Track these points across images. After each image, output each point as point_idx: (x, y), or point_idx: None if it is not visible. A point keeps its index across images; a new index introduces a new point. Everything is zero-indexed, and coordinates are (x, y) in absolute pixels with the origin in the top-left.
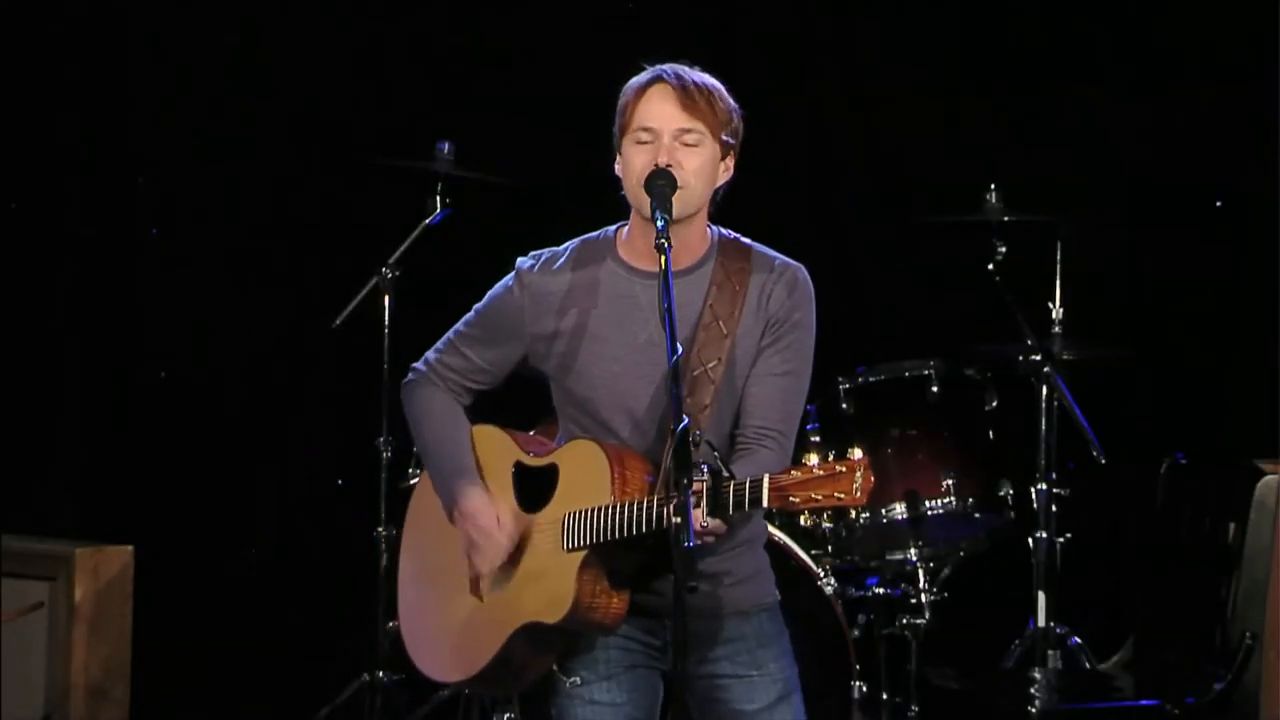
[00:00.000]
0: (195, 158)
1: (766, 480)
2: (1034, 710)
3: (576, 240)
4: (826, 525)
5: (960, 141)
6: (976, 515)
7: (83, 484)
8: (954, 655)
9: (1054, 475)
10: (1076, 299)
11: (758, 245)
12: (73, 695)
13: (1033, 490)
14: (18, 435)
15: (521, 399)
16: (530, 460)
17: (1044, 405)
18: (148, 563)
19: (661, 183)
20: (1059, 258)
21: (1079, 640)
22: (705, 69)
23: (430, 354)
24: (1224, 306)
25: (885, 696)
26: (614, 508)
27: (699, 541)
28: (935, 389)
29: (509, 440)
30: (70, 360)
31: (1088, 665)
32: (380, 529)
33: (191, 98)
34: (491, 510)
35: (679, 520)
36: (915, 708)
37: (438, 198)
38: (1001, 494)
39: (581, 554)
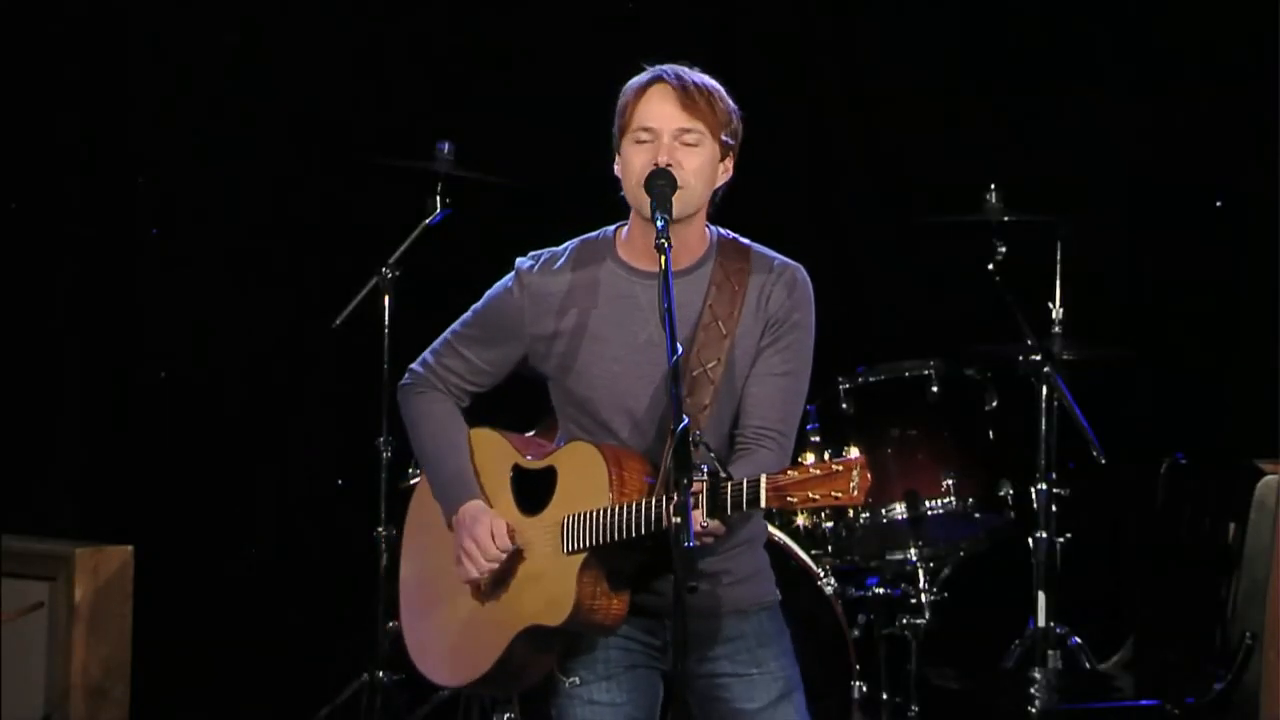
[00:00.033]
0: (195, 158)
1: (764, 480)
2: (1034, 710)
3: (576, 240)
4: (826, 525)
5: (960, 141)
6: (976, 515)
7: (83, 484)
8: (954, 655)
9: (1054, 475)
10: (1076, 299)
11: (756, 245)
12: (73, 695)
13: (1033, 490)
14: (18, 435)
15: (520, 400)
16: (528, 463)
17: (1044, 405)
18: (148, 563)
19: (661, 183)
20: (1059, 258)
21: (1079, 640)
22: (705, 69)
23: (427, 355)
24: (1224, 306)
25: (885, 696)
26: (612, 509)
27: (698, 542)
28: (935, 389)
29: (506, 444)
30: (70, 360)
31: (1088, 665)
32: (380, 529)
33: (191, 98)
34: (488, 520)
35: (679, 520)
36: (915, 708)
37: (438, 198)
38: (1001, 494)
39: (581, 556)
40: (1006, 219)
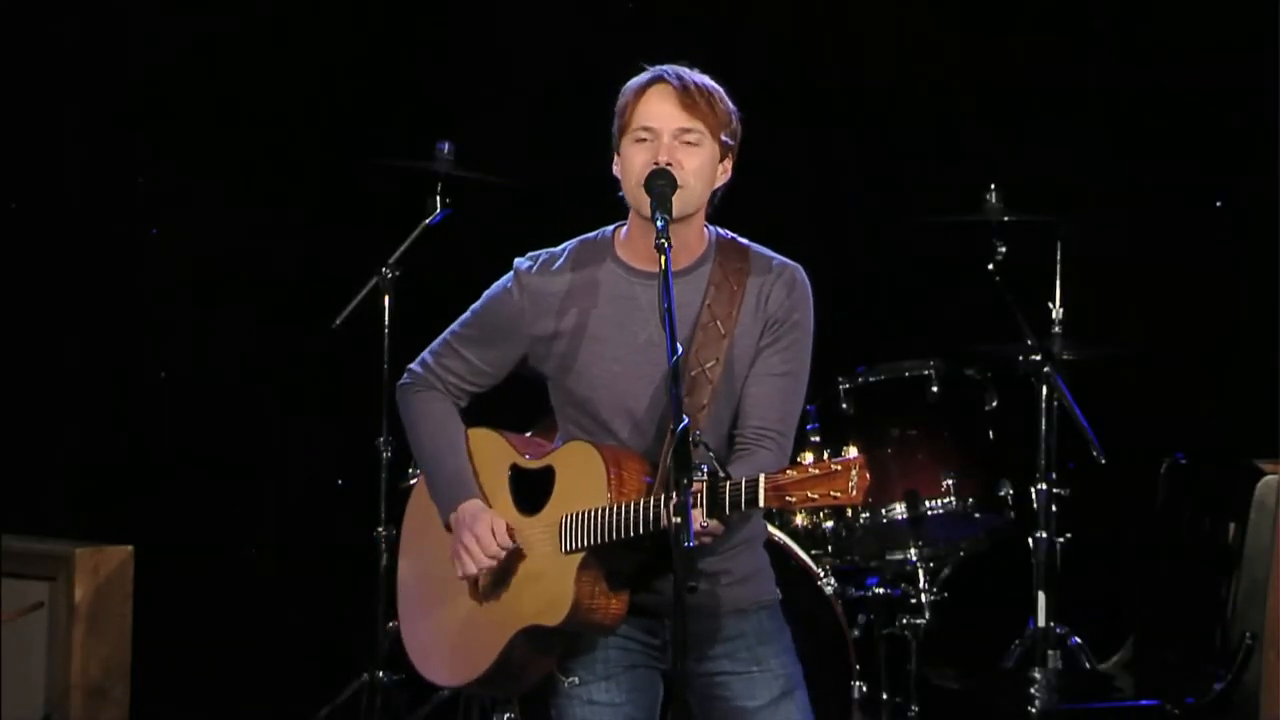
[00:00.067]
0: (195, 158)
1: (763, 480)
2: (1034, 710)
3: (574, 241)
4: (826, 525)
5: (960, 141)
6: (976, 515)
7: (83, 484)
8: (954, 655)
9: (1054, 475)
10: (1076, 299)
11: (755, 245)
12: (73, 695)
13: (1033, 490)
14: (18, 435)
15: (519, 400)
16: (526, 463)
17: (1044, 405)
18: (148, 563)
19: (661, 183)
20: (1059, 258)
21: (1079, 640)
22: (705, 69)
23: (426, 355)
24: (1224, 306)
25: (885, 696)
26: (611, 509)
27: (698, 542)
28: (935, 389)
29: (505, 443)
30: (70, 360)
31: (1088, 665)
32: (380, 529)
33: (191, 97)
34: (487, 519)
35: (679, 520)
36: (915, 708)
37: (438, 198)
38: (1001, 494)
39: (580, 556)
40: (1006, 219)
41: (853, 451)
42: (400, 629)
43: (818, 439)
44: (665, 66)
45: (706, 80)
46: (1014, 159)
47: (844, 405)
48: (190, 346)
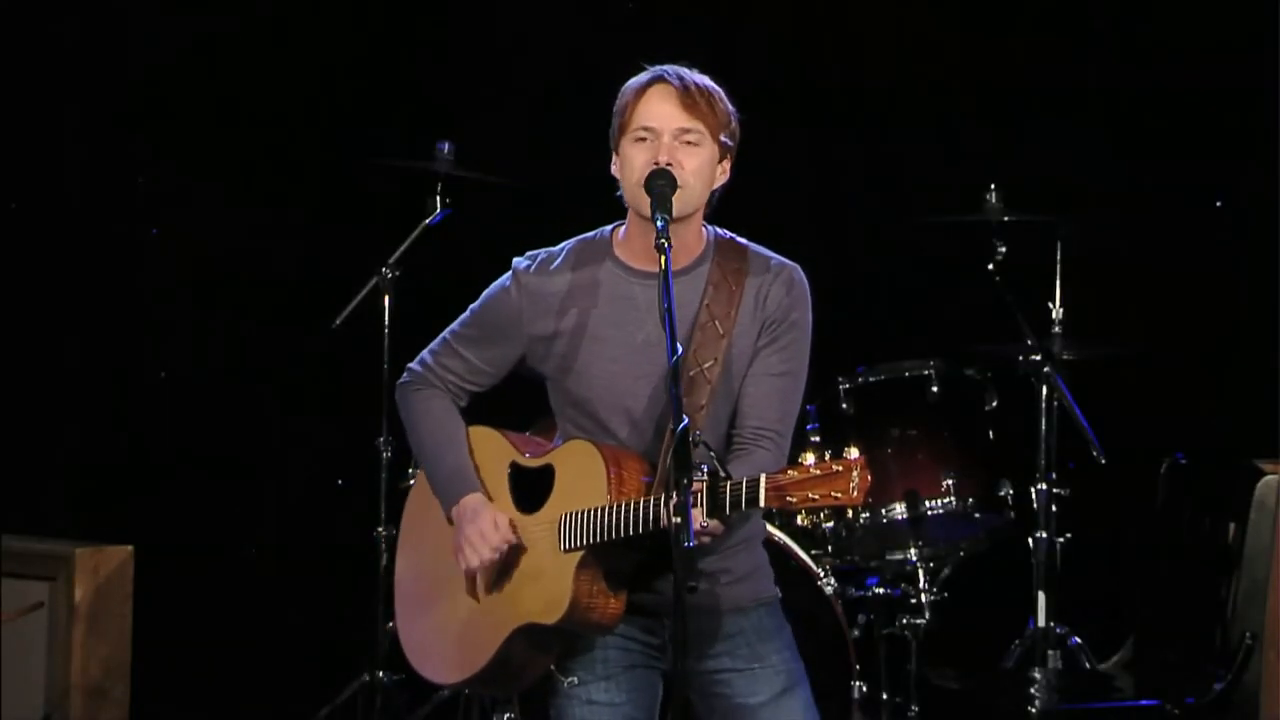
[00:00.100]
0: (195, 158)
1: (764, 480)
2: (1034, 710)
3: (573, 240)
4: (826, 525)
5: (960, 141)
6: (976, 515)
7: (83, 484)
8: (954, 655)
9: (1054, 475)
10: (1076, 299)
11: (754, 245)
12: (73, 695)
13: (1033, 490)
14: (18, 435)
15: (518, 399)
16: (526, 461)
17: (1044, 405)
18: (148, 563)
19: (661, 183)
20: (1059, 258)
21: (1079, 640)
22: (705, 69)
23: (425, 355)
24: (1224, 306)
25: (885, 696)
26: (610, 508)
27: (698, 541)
28: (935, 389)
29: (504, 441)
30: (70, 360)
31: (1088, 665)
32: (380, 529)
33: (191, 97)
34: (490, 512)
35: (679, 520)
36: (915, 708)
37: (438, 198)
38: (1001, 494)
39: (578, 555)
40: (1006, 219)
41: (854, 452)
42: (397, 627)
43: (818, 439)
44: (665, 66)
45: (706, 81)
46: (1014, 159)
47: (844, 405)
48: (190, 346)
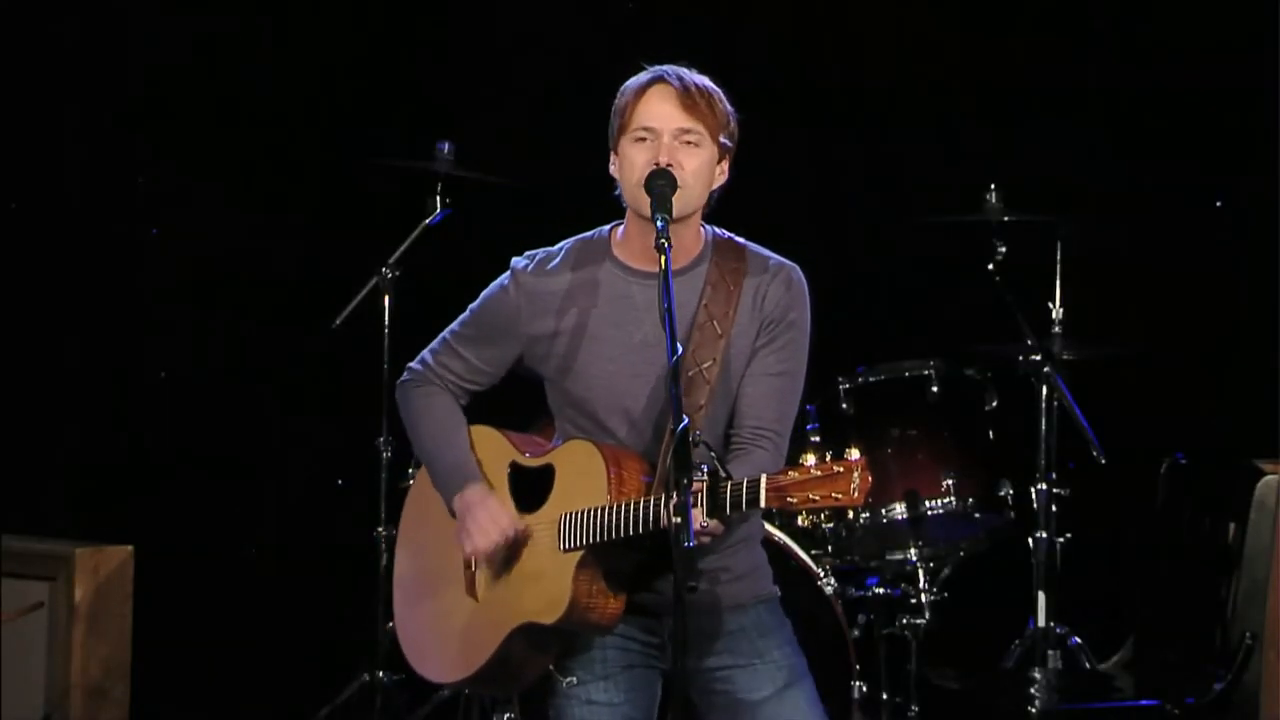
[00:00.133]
0: (195, 158)
1: (764, 481)
2: (1034, 710)
3: (571, 240)
4: (826, 525)
5: (960, 141)
6: (976, 515)
7: (83, 484)
8: (954, 655)
9: (1054, 475)
10: (1076, 299)
11: (752, 245)
12: (73, 695)
13: (1033, 490)
14: (18, 435)
15: (518, 399)
16: (526, 460)
17: (1044, 405)
18: (148, 563)
19: (661, 183)
20: (1059, 258)
21: (1079, 640)
22: (705, 69)
23: (426, 354)
24: (1224, 306)
25: (885, 696)
26: (610, 508)
27: (698, 541)
28: (935, 389)
29: (504, 441)
30: (70, 360)
31: (1088, 665)
32: (380, 529)
33: (191, 97)
34: (494, 500)
35: (679, 520)
36: (915, 708)
37: (438, 198)
38: (1001, 494)
39: (578, 554)
40: (1006, 219)
41: (854, 453)
42: (396, 627)
43: (818, 439)
44: (665, 66)
45: (706, 81)
46: (1014, 159)
47: (844, 405)
48: (190, 346)
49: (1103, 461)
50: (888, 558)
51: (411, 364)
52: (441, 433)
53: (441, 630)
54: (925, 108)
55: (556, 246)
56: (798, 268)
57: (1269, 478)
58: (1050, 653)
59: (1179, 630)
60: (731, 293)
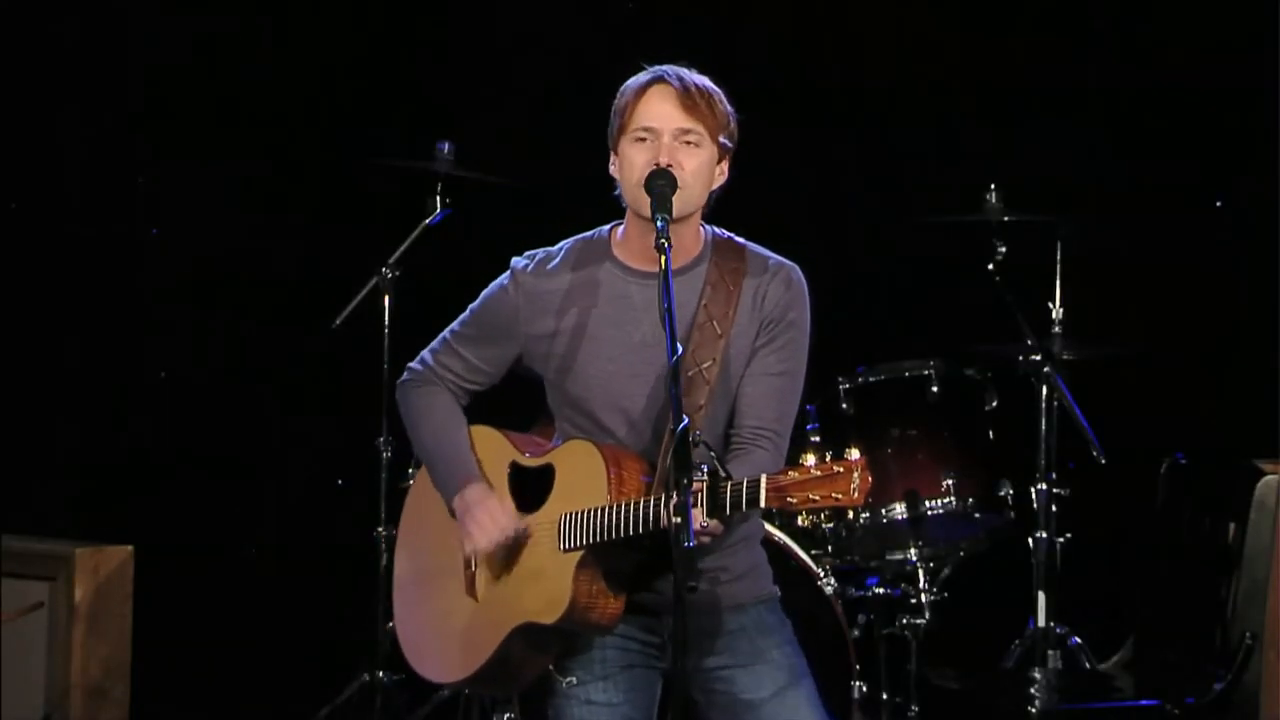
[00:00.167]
0: (195, 158)
1: (764, 481)
2: (1034, 710)
3: (571, 240)
4: (826, 525)
5: (960, 141)
6: (976, 515)
7: (83, 484)
8: (954, 655)
9: (1054, 475)
10: (1076, 299)
11: (752, 245)
12: (73, 695)
13: (1033, 490)
14: (18, 435)
15: (518, 399)
16: (526, 460)
17: (1044, 405)
18: (148, 563)
19: (661, 183)
20: (1059, 258)
21: (1079, 640)
22: (705, 69)
23: (426, 354)
24: (1224, 306)
25: (885, 696)
26: (610, 508)
27: (698, 541)
28: (935, 389)
29: (504, 440)
30: (70, 360)
31: (1088, 665)
32: (380, 529)
33: (191, 97)
34: (493, 502)
35: (679, 520)
36: (915, 708)
37: (438, 198)
38: (1001, 494)
39: (578, 554)
40: (1006, 219)
41: (855, 453)
42: (396, 628)
43: (818, 439)
44: (665, 67)
45: (706, 81)
46: (1014, 159)
47: (844, 405)
48: (190, 346)
49: (1103, 461)
50: (888, 558)
51: (412, 364)
52: (442, 432)
53: (441, 630)
54: (925, 108)
55: (556, 247)
56: (797, 267)
57: (1269, 478)
58: (1050, 653)
59: (1179, 630)
60: (731, 293)
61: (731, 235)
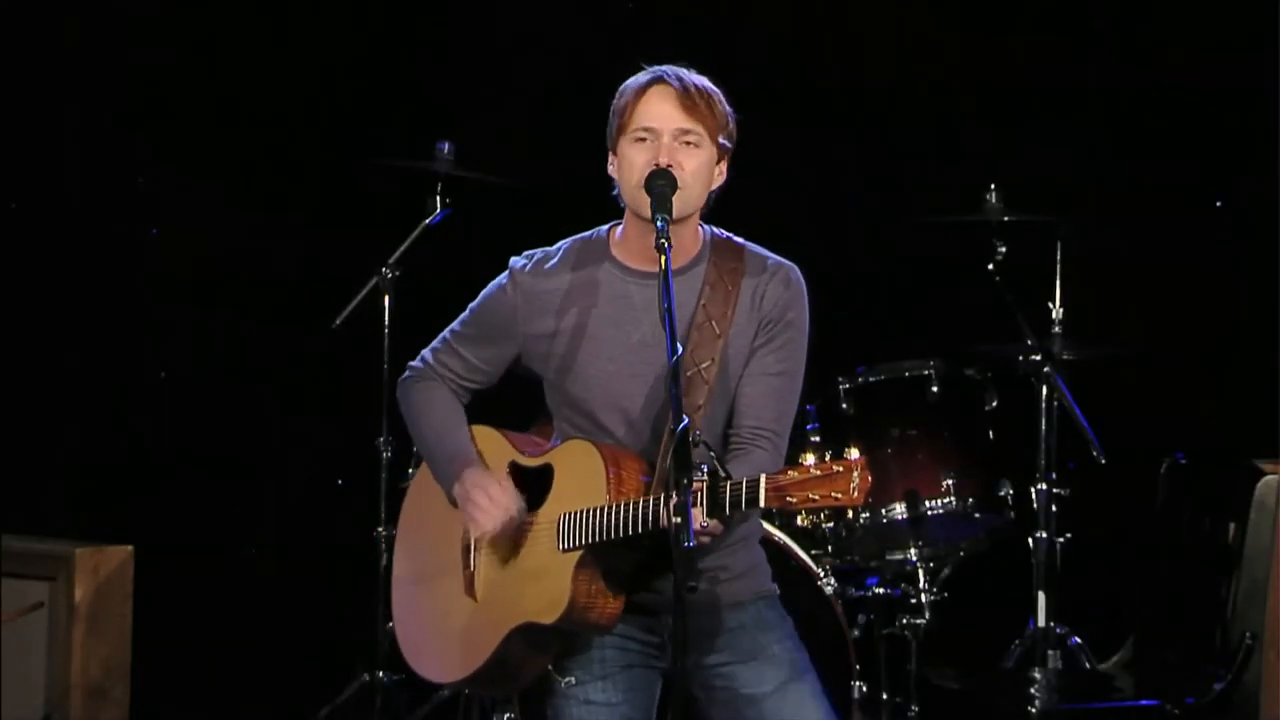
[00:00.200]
0: (195, 158)
1: (764, 480)
2: (1034, 710)
3: (569, 240)
4: (826, 525)
5: (960, 141)
6: (976, 515)
7: (83, 484)
8: (954, 655)
9: (1054, 475)
10: (1076, 299)
11: (751, 245)
12: (73, 695)
13: (1033, 490)
14: (18, 435)
15: (518, 399)
16: (525, 460)
17: (1044, 405)
18: (148, 563)
19: (661, 183)
20: (1059, 258)
21: (1079, 640)
22: (705, 69)
23: (426, 352)
24: (1224, 306)
25: (885, 696)
26: (609, 508)
27: (697, 541)
28: (935, 389)
29: (503, 440)
30: (70, 360)
31: (1088, 665)
32: (380, 529)
33: (191, 97)
34: (490, 483)
35: (679, 520)
36: (915, 708)
37: (438, 198)
38: (1001, 494)
39: (577, 554)
40: (1006, 219)
41: (854, 453)
42: (395, 628)
43: (818, 439)
44: (664, 67)
45: (705, 82)
46: (1014, 159)
47: (844, 405)
48: (190, 346)
49: (1103, 461)
50: (888, 558)
51: (412, 362)
52: (442, 425)
53: (440, 630)
54: (925, 108)
55: (555, 246)
56: (796, 267)
57: (1269, 478)
58: (1050, 653)
59: (1179, 630)
60: (730, 293)
61: (730, 235)
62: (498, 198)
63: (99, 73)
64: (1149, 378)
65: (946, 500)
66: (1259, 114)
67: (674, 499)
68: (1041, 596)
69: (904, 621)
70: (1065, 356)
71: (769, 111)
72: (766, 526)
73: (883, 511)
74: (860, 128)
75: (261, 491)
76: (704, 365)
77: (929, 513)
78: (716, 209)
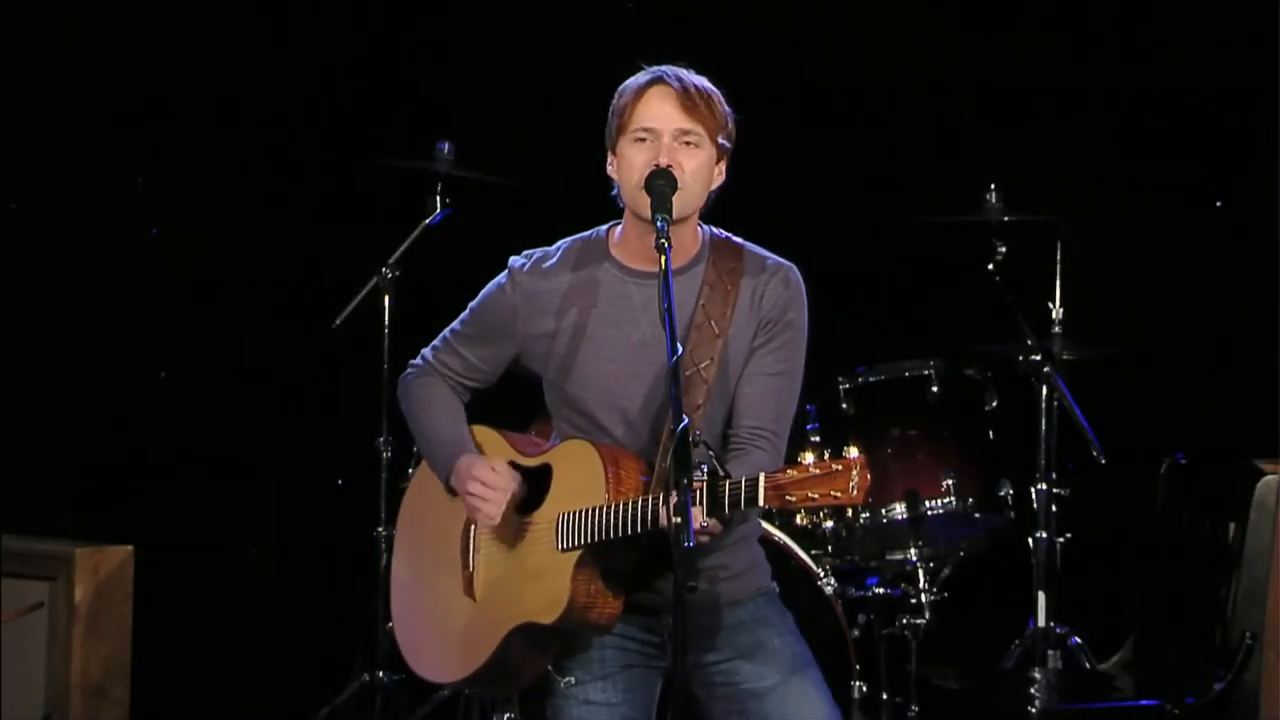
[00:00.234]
0: (195, 158)
1: (763, 479)
2: (1034, 710)
3: (568, 240)
4: (826, 525)
5: (960, 141)
6: (976, 515)
7: (83, 484)
8: (954, 655)
9: (1054, 475)
10: (1076, 299)
11: (750, 245)
12: (73, 695)
13: (1033, 490)
14: (18, 435)
15: (518, 399)
16: (524, 460)
17: (1044, 405)
18: (148, 563)
19: (661, 183)
20: (1059, 258)
21: (1079, 640)
22: (705, 69)
23: (427, 351)
24: (1224, 306)
25: (885, 696)
26: (609, 508)
27: (697, 541)
28: (935, 389)
29: (502, 440)
30: (70, 360)
31: (1088, 665)
32: (380, 529)
33: (191, 97)
34: (485, 461)
35: (679, 520)
36: (915, 708)
37: (438, 198)
38: (1001, 494)
39: (576, 554)
40: (1006, 219)
41: (854, 451)
42: (394, 628)
43: (818, 439)
44: (664, 67)
45: (705, 82)
46: (1014, 159)
47: (844, 405)
48: (190, 346)
49: (1103, 461)
50: (888, 558)
51: (413, 361)
52: (440, 418)
53: (440, 630)
54: (925, 108)
55: (554, 246)
56: (795, 268)
57: (1269, 478)
58: (1050, 653)
59: (1179, 630)
60: (729, 293)
61: (729, 235)
62: (498, 198)
63: (99, 73)
64: (1149, 378)
65: (946, 500)
66: (1259, 114)
67: (673, 498)
68: (1041, 596)
69: (904, 621)
70: (1065, 356)
71: (769, 111)
72: (766, 526)
73: (883, 511)
74: (860, 128)
75: (261, 491)
76: (703, 365)
77: (929, 513)
78: (716, 209)
